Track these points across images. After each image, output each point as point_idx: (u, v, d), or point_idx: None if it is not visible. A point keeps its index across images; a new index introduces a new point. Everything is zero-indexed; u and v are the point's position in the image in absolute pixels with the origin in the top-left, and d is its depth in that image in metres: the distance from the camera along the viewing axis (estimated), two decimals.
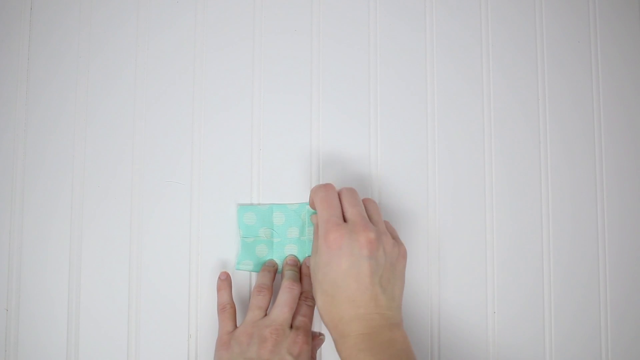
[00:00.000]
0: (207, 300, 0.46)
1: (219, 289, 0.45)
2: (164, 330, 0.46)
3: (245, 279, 0.47)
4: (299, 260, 0.46)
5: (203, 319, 0.46)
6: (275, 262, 0.46)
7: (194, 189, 0.48)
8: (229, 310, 0.43)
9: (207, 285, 0.46)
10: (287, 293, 0.42)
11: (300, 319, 0.42)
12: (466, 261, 0.49)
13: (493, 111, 0.51)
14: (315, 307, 0.42)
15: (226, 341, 0.41)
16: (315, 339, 0.44)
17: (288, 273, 0.44)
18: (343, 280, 0.37)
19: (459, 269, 0.49)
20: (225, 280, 0.45)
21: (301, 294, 0.44)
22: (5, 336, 0.46)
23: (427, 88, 0.51)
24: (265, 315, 0.42)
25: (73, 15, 0.49)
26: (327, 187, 0.41)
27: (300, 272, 0.46)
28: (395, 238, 0.41)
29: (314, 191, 0.42)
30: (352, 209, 0.40)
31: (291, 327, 0.41)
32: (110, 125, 0.48)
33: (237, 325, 0.43)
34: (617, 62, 0.53)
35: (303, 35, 0.50)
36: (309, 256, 0.46)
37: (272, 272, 0.45)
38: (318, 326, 0.46)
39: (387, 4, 0.51)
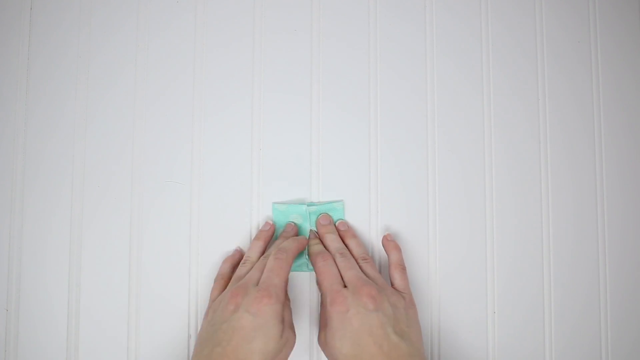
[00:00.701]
0: (207, 300, 0.46)
1: (224, 262, 0.46)
2: (164, 330, 0.46)
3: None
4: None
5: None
6: (270, 223, 0.47)
7: (194, 189, 0.48)
8: (220, 280, 0.44)
9: (207, 285, 0.46)
10: (273, 260, 0.41)
11: (264, 275, 0.40)
12: (466, 261, 0.49)
13: (493, 111, 0.51)
14: None
15: (208, 307, 0.42)
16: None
17: (279, 242, 0.45)
18: (360, 338, 0.38)
19: (459, 269, 0.49)
20: (234, 255, 0.47)
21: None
22: (5, 336, 0.46)
23: (427, 88, 0.50)
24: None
25: (73, 15, 0.49)
26: (324, 256, 0.43)
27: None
28: (399, 289, 0.44)
29: (313, 257, 0.44)
30: (348, 273, 0.42)
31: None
32: (110, 125, 0.48)
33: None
34: (617, 62, 0.53)
35: (303, 35, 0.50)
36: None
37: (264, 243, 0.46)
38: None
39: (387, 4, 0.51)
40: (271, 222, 0.47)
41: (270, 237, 0.46)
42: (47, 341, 0.46)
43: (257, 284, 0.40)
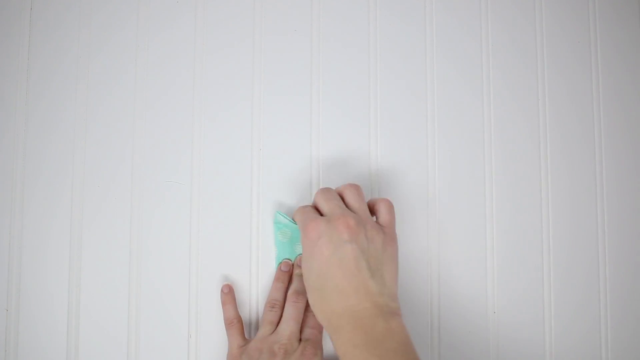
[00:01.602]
0: (207, 301, 0.46)
1: (223, 304, 0.44)
2: (164, 330, 0.46)
3: (245, 290, 0.47)
4: None
5: (203, 319, 0.46)
6: (290, 263, 0.45)
7: (194, 189, 0.48)
8: (237, 324, 0.43)
9: (207, 286, 0.46)
10: (291, 307, 0.42)
11: (308, 331, 0.42)
12: (466, 261, 0.49)
13: (493, 111, 0.51)
14: None
15: (237, 355, 0.41)
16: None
17: (293, 285, 0.44)
18: (327, 269, 0.36)
19: (459, 269, 0.49)
20: (228, 294, 0.45)
21: (307, 305, 0.43)
22: (5, 336, 0.46)
23: (427, 88, 0.51)
24: (275, 330, 0.42)
25: (73, 15, 0.49)
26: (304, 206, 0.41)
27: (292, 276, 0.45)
28: (383, 224, 0.40)
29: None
30: (327, 204, 0.39)
31: (300, 340, 0.41)
32: (110, 125, 0.48)
33: (246, 338, 0.43)
34: (617, 63, 0.53)
35: (303, 35, 0.50)
36: (300, 255, 0.45)
37: (284, 284, 0.44)
38: None
39: (387, 4, 0.51)
40: (290, 262, 0.45)
41: (290, 277, 0.45)
42: (47, 341, 0.46)
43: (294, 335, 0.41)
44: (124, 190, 0.47)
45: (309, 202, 0.48)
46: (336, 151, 0.49)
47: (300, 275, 0.44)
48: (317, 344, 0.42)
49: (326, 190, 0.40)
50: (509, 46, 0.52)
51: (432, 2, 0.52)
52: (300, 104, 0.49)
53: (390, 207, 0.41)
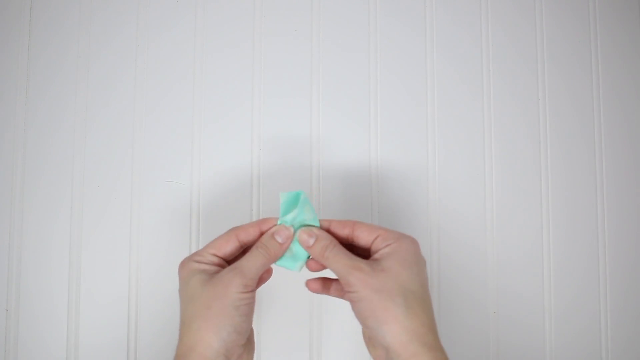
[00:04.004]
0: None
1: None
2: (164, 330, 0.46)
3: None
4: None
5: None
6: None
7: (193, 189, 0.48)
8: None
9: None
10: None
11: None
12: (466, 261, 0.49)
13: (493, 111, 0.51)
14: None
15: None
16: None
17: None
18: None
19: (458, 269, 0.49)
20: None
21: None
22: (5, 336, 0.46)
23: (427, 88, 0.51)
24: None
25: (73, 16, 0.49)
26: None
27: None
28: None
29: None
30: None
31: None
32: (110, 126, 0.48)
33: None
34: (617, 62, 0.53)
35: (303, 36, 0.50)
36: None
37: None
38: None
39: (387, 5, 0.51)
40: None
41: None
42: (47, 341, 0.46)
43: None
44: (124, 190, 0.47)
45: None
46: (336, 151, 0.49)
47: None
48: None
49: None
50: (509, 46, 0.52)
51: (432, 2, 0.52)
52: (300, 104, 0.49)
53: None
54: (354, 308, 0.34)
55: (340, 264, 0.34)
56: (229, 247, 0.36)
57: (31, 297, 0.46)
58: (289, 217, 0.36)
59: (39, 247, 0.46)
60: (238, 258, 0.36)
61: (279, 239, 0.36)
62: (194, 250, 0.47)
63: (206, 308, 0.33)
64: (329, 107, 0.49)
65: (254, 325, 0.46)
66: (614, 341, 0.50)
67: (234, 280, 0.33)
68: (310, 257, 0.37)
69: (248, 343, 0.36)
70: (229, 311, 0.33)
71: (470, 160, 0.50)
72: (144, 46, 0.49)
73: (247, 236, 0.36)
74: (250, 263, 0.35)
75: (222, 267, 0.36)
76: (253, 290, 0.35)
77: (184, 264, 0.36)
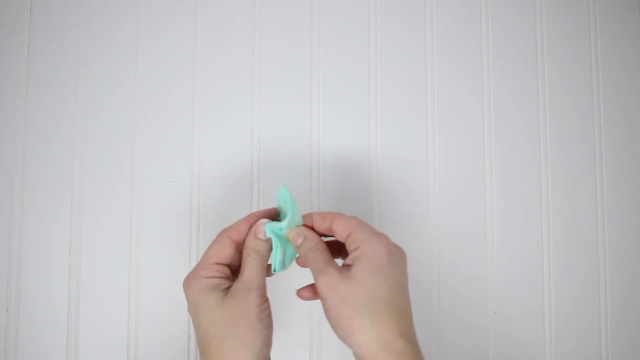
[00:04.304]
0: None
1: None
2: (164, 330, 0.46)
3: None
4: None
5: None
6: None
7: (193, 189, 0.48)
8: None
9: None
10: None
11: None
12: (466, 261, 0.49)
13: (493, 111, 0.51)
14: None
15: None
16: None
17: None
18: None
19: (459, 269, 0.49)
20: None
21: None
22: (5, 336, 0.46)
23: (427, 87, 0.51)
24: None
25: (73, 16, 0.49)
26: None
27: None
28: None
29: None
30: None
31: None
32: (110, 126, 0.48)
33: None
34: (617, 62, 0.53)
35: (303, 35, 0.50)
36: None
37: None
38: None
39: (387, 4, 0.51)
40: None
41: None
42: (47, 341, 0.46)
43: None
44: (124, 190, 0.47)
45: (309, 202, 0.48)
46: (336, 151, 0.49)
47: None
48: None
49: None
50: (509, 46, 0.52)
51: (432, 3, 0.52)
52: (300, 104, 0.49)
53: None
54: (326, 316, 0.33)
55: (315, 266, 0.34)
56: (227, 252, 0.36)
57: (31, 297, 0.46)
58: (284, 224, 0.36)
59: (39, 247, 0.46)
60: (237, 258, 0.37)
61: (261, 237, 0.35)
62: (193, 250, 0.47)
63: (234, 327, 0.33)
64: (329, 107, 0.49)
65: None
66: (614, 341, 0.50)
67: (250, 294, 0.33)
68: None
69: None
70: (255, 326, 0.33)
71: (471, 160, 0.50)
72: (144, 46, 0.49)
73: (239, 235, 0.36)
74: (254, 272, 0.35)
75: (228, 277, 0.36)
76: (267, 299, 0.35)
77: (190, 282, 0.35)
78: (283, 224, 0.36)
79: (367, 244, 0.34)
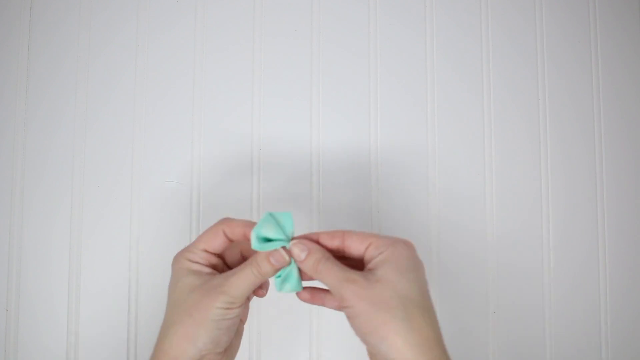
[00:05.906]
0: None
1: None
2: None
3: None
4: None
5: None
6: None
7: (194, 189, 0.48)
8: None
9: None
10: None
11: None
12: (466, 261, 0.49)
13: (493, 112, 0.51)
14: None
15: None
16: None
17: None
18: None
19: (458, 269, 0.49)
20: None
21: None
22: (5, 336, 0.46)
23: (427, 88, 0.51)
24: None
25: (73, 16, 0.49)
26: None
27: None
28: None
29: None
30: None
31: None
32: (110, 126, 0.48)
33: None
34: (617, 63, 0.53)
35: (303, 35, 0.50)
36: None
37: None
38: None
39: (387, 4, 0.51)
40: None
41: None
42: (47, 341, 0.46)
43: None
44: (124, 191, 0.47)
45: (308, 201, 0.48)
46: (336, 151, 0.49)
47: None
48: None
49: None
50: (509, 46, 0.52)
51: (432, 2, 0.52)
52: (300, 104, 0.49)
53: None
54: (352, 325, 0.32)
55: (332, 277, 0.32)
56: (216, 243, 0.35)
57: (31, 297, 0.46)
58: (282, 235, 0.33)
59: (39, 247, 0.46)
60: (232, 253, 0.37)
61: (274, 262, 0.34)
62: None
63: (187, 315, 0.32)
64: (329, 107, 0.49)
65: (254, 325, 0.46)
66: (614, 341, 0.50)
67: (219, 296, 0.32)
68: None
69: (229, 348, 0.35)
70: (208, 324, 0.32)
71: (471, 160, 0.50)
72: (144, 46, 0.49)
73: (233, 235, 0.36)
74: (240, 281, 0.33)
75: (213, 265, 0.35)
76: (239, 307, 0.33)
77: (177, 259, 0.36)
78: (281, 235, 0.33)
79: (392, 247, 0.33)
